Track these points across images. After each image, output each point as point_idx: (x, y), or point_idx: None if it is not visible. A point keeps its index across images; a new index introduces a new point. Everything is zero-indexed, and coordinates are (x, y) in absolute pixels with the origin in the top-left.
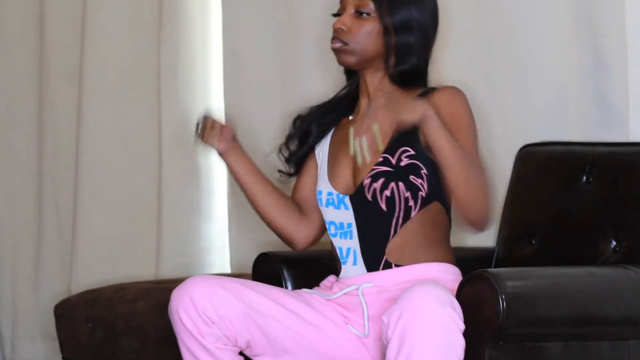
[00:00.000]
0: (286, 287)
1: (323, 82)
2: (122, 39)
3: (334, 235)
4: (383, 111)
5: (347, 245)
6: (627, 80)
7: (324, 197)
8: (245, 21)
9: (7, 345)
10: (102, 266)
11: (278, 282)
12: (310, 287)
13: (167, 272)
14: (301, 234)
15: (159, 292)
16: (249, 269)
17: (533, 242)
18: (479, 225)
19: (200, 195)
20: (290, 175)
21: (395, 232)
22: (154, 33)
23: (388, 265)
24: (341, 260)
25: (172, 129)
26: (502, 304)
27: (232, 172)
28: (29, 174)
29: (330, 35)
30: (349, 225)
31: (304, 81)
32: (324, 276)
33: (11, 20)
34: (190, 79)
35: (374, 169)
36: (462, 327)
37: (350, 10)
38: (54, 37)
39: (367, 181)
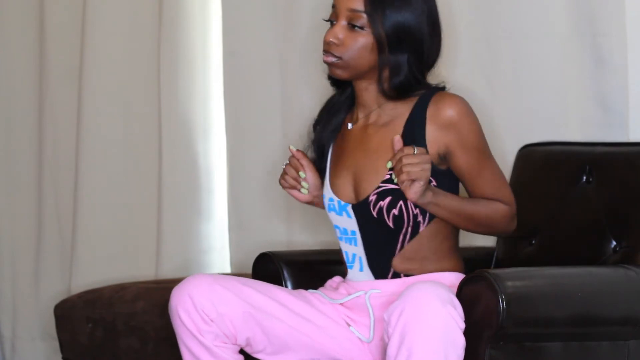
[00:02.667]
0: (286, 287)
1: (323, 82)
2: (122, 39)
3: (340, 238)
4: (382, 129)
5: (353, 251)
6: (627, 80)
7: (326, 201)
8: (245, 22)
9: (7, 345)
10: (102, 266)
11: (278, 282)
12: (311, 288)
13: (167, 272)
14: None
15: (159, 292)
16: (249, 269)
17: (533, 242)
18: (502, 236)
19: (200, 195)
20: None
21: (402, 246)
22: (154, 33)
23: (397, 275)
24: (347, 264)
25: (172, 129)
26: (502, 304)
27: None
28: (29, 174)
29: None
30: (353, 232)
31: (304, 81)
32: (324, 276)
33: (11, 20)
34: (190, 79)
35: (380, 187)
36: (463, 325)
37: (343, 21)
38: (54, 37)
39: (372, 198)
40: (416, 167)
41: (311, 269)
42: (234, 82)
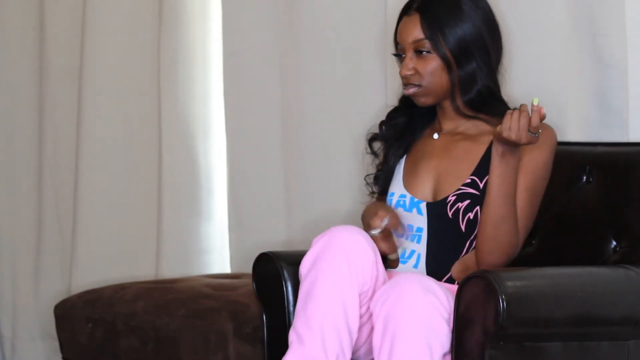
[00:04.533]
0: (286, 287)
1: (323, 83)
2: (122, 39)
3: (400, 235)
4: (470, 140)
5: (412, 247)
6: (627, 80)
7: (394, 198)
8: (245, 22)
9: (7, 345)
10: (102, 266)
11: (278, 282)
12: None
13: (167, 272)
14: None
15: (159, 292)
16: (249, 269)
17: (533, 242)
18: (484, 267)
19: (200, 195)
20: (373, 193)
21: (466, 251)
22: (154, 33)
23: (450, 281)
24: (400, 260)
25: (172, 129)
26: (502, 304)
27: None
28: (29, 174)
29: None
30: (419, 229)
31: (304, 81)
32: None
33: (11, 20)
34: (190, 79)
35: (460, 189)
36: (446, 315)
37: (410, 53)
38: (54, 37)
39: (452, 198)
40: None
41: None
42: (234, 82)
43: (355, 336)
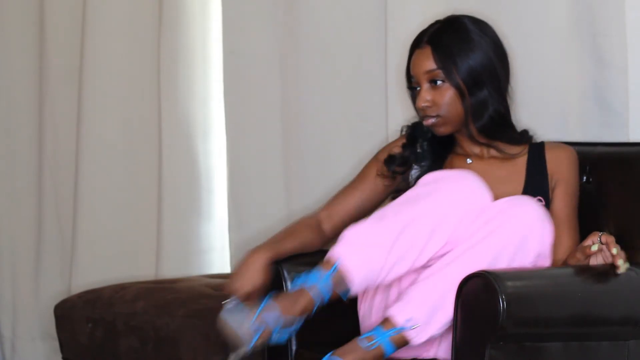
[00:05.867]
0: (286, 288)
1: (323, 83)
2: (122, 39)
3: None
4: (507, 162)
5: None
6: (627, 80)
7: None
8: (245, 21)
9: (7, 345)
10: (102, 266)
11: (278, 282)
12: None
13: (167, 272)
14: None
15: (159, 292)
16: None
17: None
18: None
19: (200, 195)
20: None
21: None
22: (154, 33)
23: None
24: None
25: (172, 129)
26: (502, 304)
27: None
28: (29, 174)
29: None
30: None
31: (304, 81)
32: None
33: (11, 20)
34: (190, 79)
35: None
36: (547, 242)
37: (425, 84)
38: (54, 37)
39: None
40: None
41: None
42: (234, 82)
43: (418, 263)
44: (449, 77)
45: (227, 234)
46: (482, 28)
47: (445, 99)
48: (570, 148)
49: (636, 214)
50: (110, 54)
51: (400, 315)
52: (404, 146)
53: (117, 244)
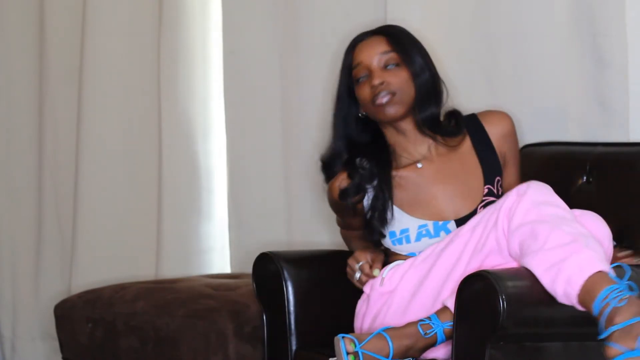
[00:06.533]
0: (286, 287)
1: (323, 83)
2: (122, 39)
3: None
4: (457, 153)
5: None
6: (627, 80)
7: (412, 233)
8: (245, 21)
9: (7, 345)
10: (102, 266)
11: (278, 282)
12: (311, 288)
13: (167, 272)
14: None
15: (159, 292)
16: (249, 269)
17: None
18: None
19: (200, 195)
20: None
21: None
22: (154, 33)
23: None
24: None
25: (172, 129)
26: (502, 304)
27: None
28: (29, 174)
29: None
30: (446, 232)
31: (304, 81)
32: (324, 276)
33: (11, 20)
34: (190, 79)
35: (484, 199)
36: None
37: (378, 70)
38: (54, 37)
39: (480, 209)
40: None
41: (311, 269)
42: (234, 82)
43: None
44: (404, 59)
45: (227, 234)
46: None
47: (399, 79)
48: (503, 113)
49: (636, 214)
50: (110, 54)
51: None
52: (350, 175)
53: (117, 244)
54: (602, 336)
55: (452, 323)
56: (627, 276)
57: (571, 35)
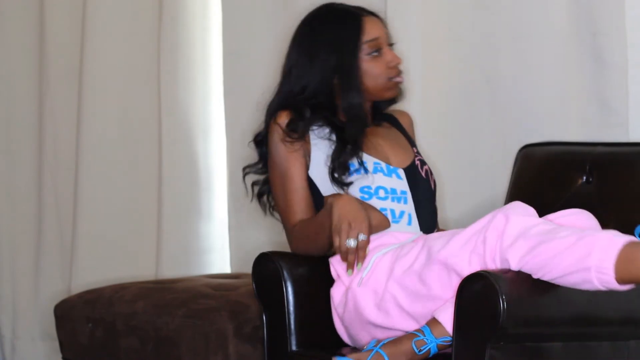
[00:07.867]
0: (286, 287)
1: None
2: (122, 39)
3: (384, 198)
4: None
5: (401, 208)
6: (627, 80)
7: (370, 165)
8: (245, 22)
9: (7, 345)
10: (102, 266)
11: (278, 282)
12: (311, 288)
13: (167, 272)
14: None
15: (159, 292)
16: (249, 269)
17: None
18: None
19: (200, 195)
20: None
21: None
22: (154, 33)
23: None
24: (392, 220)
25: (172, 129)
26: (502, 304)
27: None
28: (29, 174)
29: None
30: (403, 192)
31: None
32: (324, 276)
33: (11, 20)
34: (190, 79)
35: (417, 155)
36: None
37: (386, 46)
38: (54, 37)
39: (418, 162)
40: None
41: (311, 269)
42: (234, 82)
43: None
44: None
45: (227, 234)
46: None
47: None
48: (406, 112)
49: (636, 214)
50: (110, 54)
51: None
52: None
53: (117, 243)
54: None
55: (447, 338)
56: None
57: (571, 34)
